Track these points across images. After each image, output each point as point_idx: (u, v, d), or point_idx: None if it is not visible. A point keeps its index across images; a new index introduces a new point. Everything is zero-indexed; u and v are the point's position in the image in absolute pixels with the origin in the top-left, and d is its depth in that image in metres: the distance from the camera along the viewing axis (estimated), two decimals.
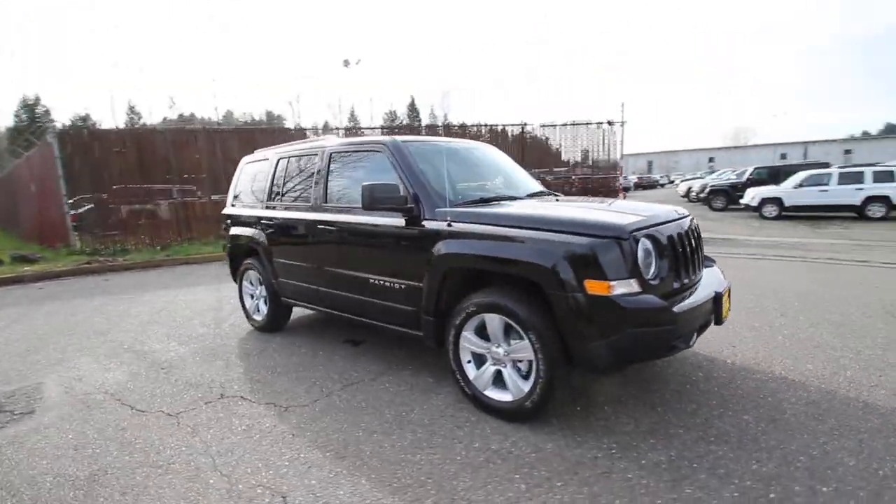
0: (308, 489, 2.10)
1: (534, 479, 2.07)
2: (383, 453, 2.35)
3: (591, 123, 12.16)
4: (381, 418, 2.71)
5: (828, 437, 2.30)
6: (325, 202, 3.55)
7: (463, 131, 11.61)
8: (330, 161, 3.59)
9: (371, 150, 3.36)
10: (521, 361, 2.51)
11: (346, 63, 32.44)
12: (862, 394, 2.72)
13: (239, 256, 4.63)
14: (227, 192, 4.96)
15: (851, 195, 12.99)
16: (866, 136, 59.71)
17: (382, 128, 11.28)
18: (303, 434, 2.59)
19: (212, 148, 10.93)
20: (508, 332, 2.53)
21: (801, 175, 14.10)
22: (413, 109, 52.37)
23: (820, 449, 2.20)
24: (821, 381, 2.90)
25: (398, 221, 2.97)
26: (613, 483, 2.03)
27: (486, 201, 3.01)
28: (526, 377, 2.49)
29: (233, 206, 4.70)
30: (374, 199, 2.84)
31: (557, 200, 3.34)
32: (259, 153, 4.60)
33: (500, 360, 2.58)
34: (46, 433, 2.74)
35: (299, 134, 11.72)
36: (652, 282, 2.24)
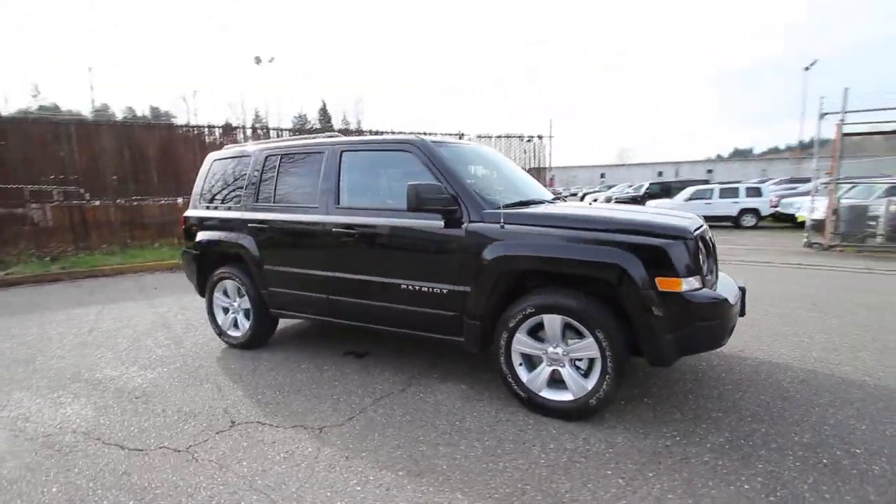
0: None
1: (627, 473, 2.14)
2: (462, 465, 2.25)
3: (523, 137, 12.86)
4: (436, 430, 2.58)
5: (833, 408, 2.69)
6: (338, 204, 3.30)
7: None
8: (341, 160, 3.36)
9: (395, 150, 3.21)
10: (580, 360, 2.58)
11: (258, 60, 30.18)
12: (834, 371, 3.23)
13: (209, 265, 4.10)
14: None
15: (729, 207, 15.33)
16: (720, 158, 71.10)
17: (292, 130, 10.85)
18: (357, 455, 2.37)
19: (87, 144, 9.49)
20: (565, 331, 2.59)
21: (689, 190, 16.28)
22: (325, 114, 50.62)
23: (833, 419, 2.57)
24: (798, 363, 3.38)
25: (435, 223, 2.88)
26: (696, 467, 2.17)
27: (523, 204, 3.05)
28: (586, 375, 2.56)
29: (199, 207, 4.16)
30: (420, 200, 2.72)
31: (592, 205, 3.50)
32: (234, 149, 4.14)
33: (558, 360, 2.61)
34: (18, 490, 2.17)
35: (191, 131, 10.57)
36: (707, 278, 2.46)
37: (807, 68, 28.86)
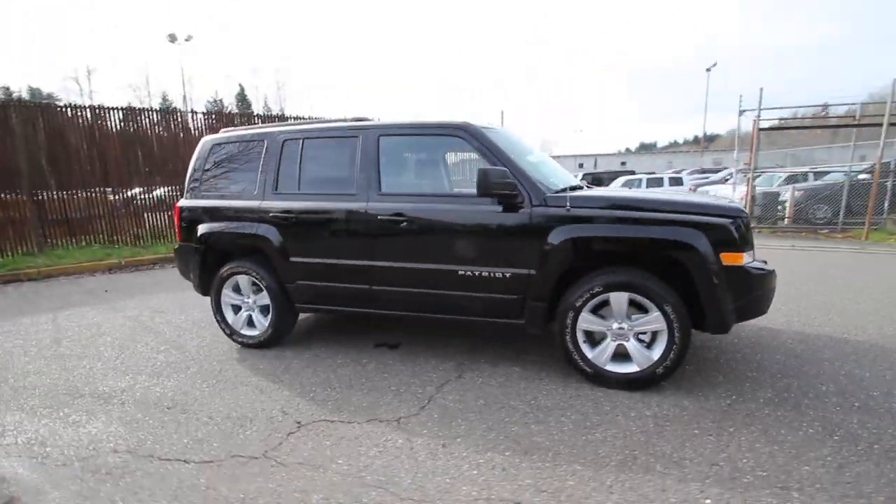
0: (531, 488, 1.98)
1: (711, 431, 2.35)
2: (563, 440, 2.33)
3: None
4: (516, 411, 2.64)
5: (838, 362, 3.15)
6: (381, 190, 3.19)
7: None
8: (379, 145, 3.24)
9: (443, 134, 3.17)
10: (643, 334, 2.76)
11: (173, 38, 26.87)
12: (819, 331, 3.75)
13: (215, 260, 3.75)
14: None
15: None
16: (629, 151, 77.51)
17: (206, 113, 10.01)
18: (452, 441, 2.36)
19: None
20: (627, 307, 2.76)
21: (621, 180, 17.59)
22: (243, 99, 47.20)
23: (842, 370, 3.01)
24: (786, 327, 3.88)
25: (494, 208, 2.90)
26: (763, 420, 2.44)
27: (573, 188, 3.16)
28: (649, 347, 2.75)
29: (199, 196, 3.78)
30: (489, 185, 2.73)
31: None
32: (238, 132, 3.81)
33: (623, 335, 2.78)
34: None
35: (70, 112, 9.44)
36: (755, 252, 2.75)
37: (708, 69, 32.21)
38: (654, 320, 2.68)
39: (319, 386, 3.04)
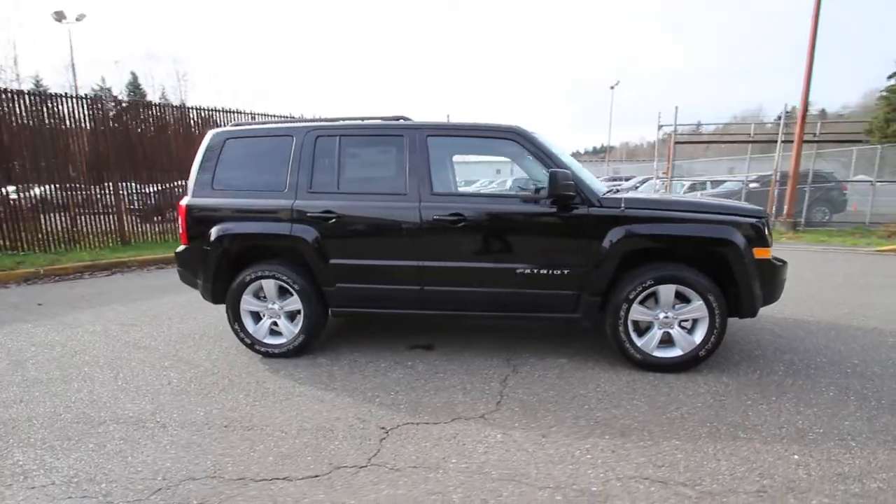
0: (650, 465, 2.15)
1: (759, 401, 2.71)
2: (649, 420, 2.53)
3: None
4: (589, 398, 2.80)
5: (815, 337, 3.76)
6: (433, 191, 3.17)
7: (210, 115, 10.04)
8: (427, 146, 3.22)
9: (495, 137, 3.24)
10: (685, 321, 3.09)
11: (60, 17, 22.70)
12: (787, 315, 4.43)
13: (233, 264, 3.43)
14: None
15: None
16: None
17: (82, 98, 8.60)
18: (549, 432, 2.45)
19: None
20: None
21: None
22: (136, 89, 41.99)
23: (823, 345, 3.61)
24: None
25: (550, 209, 3.06)
26: (791, 388, 2.86)
27: (611, 191, 3.42)
28: (690, 333, 3.09)
29: (212, 195, 3.43)
30: (558, 186, 2.87)
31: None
32: (258, 127, 3.53)
33: (668, 324, 3.08)
34: None
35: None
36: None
37: (612, 87, 35.63)
38: (697, 309, 3.01)
39: (378, 390, 2.94)
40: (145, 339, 3.98)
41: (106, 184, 8.70)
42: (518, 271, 3.12)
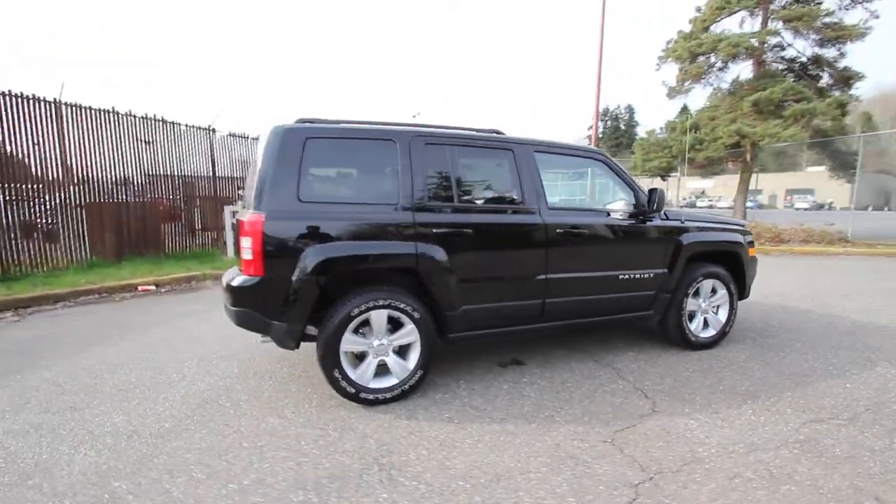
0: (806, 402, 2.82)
1: (770, 370, 3.73)
2: (768, 381, 3.23)
3: None
4: (707, 376, 3.34)
5: (769, 320, 5.24)
6: (549, 205, 3.25)
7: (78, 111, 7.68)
8: (536, 162, 3.29)
9: (584, 157, 3.52)
10: (714, 307, 3.98)
11: None
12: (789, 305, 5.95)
13: (328, 294, 2.73)
14: None
15: None
16: None
17: None
18: (716, 409, 2.89)
19: None
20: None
21: None
22: None
23: (779, 324, 5.08)
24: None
25: (637, 220, 3.54)
26: (792, 362, 4.02)
27: None
28: (716, 314, 3.99)
29: (292, 209, 2.67)
30: (661, 202, 3.37)
31: None
32: (347, 127, 2.92)
33: (706, 311, 3.91)
34: None
35: None
36: None
37: (414, 116, 38.58)
38: (723, 297, 3.94)
39: (539, 410, 2.84)
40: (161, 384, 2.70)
41: None
42: (621, 277, 3.47)
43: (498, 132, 3.42)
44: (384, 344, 2.87)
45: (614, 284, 3.49)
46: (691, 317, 3.89)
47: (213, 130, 10.07)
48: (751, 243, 4.14)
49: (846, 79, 13.00)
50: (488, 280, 3.08)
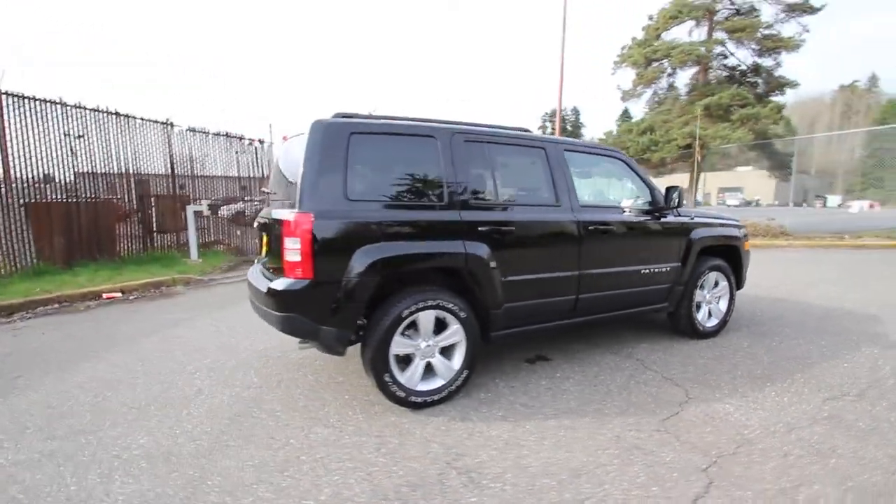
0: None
1: (776, 357, 4.03)
2: (770, 365, 3.46)
3: (244, 139, 10.97)
4: (722, 363, 3.53)
5: (752, 309, 5.59)
6: (580, 203, 3.31)
7: None
8: (566, 160, 3.33)
9: (605, 155, 3.61)
10: (716, 298, 4.22)
11: None
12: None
13: (383, 292, 2.63)
14: None
15: None
16: None
17: None
18: (747, 391, 3.08)
19: None
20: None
21: None
22: None
23: (762, 311, 5.43)
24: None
25: (653, 217, 3.69)
26: (792, 347, 4.34)
27: None
28: (718, 303, 4.24)
29: (339, 207, 2.55)
30: (681, 199, 3.52)
31: None
32: (382, 120, 2.81)
33: (710, 301, 4.14)
34: None
35: None
36: None
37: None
38: (724, 288, 4.19)
39: (586, 403, 2.89)
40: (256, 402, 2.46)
41: None
42: (643, 271, 3.60)
43: (526, 130, 3.43)
44: (430, 345, 2.81)
45: (638, 278, 3.61)
46: (698, 307, 4.11)
47: (171, 125, 9.38)
48: (745, 237, 4.43)
49: (781, 86, 14.24)
50: (528, 277, 3.08)
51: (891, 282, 6.88)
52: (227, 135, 10.60)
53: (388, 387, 2.66)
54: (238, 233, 11.03)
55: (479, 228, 2.87)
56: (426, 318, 2.75)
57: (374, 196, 2.67)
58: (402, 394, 2.70)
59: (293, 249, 2.45)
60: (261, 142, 11.39)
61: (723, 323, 4.23)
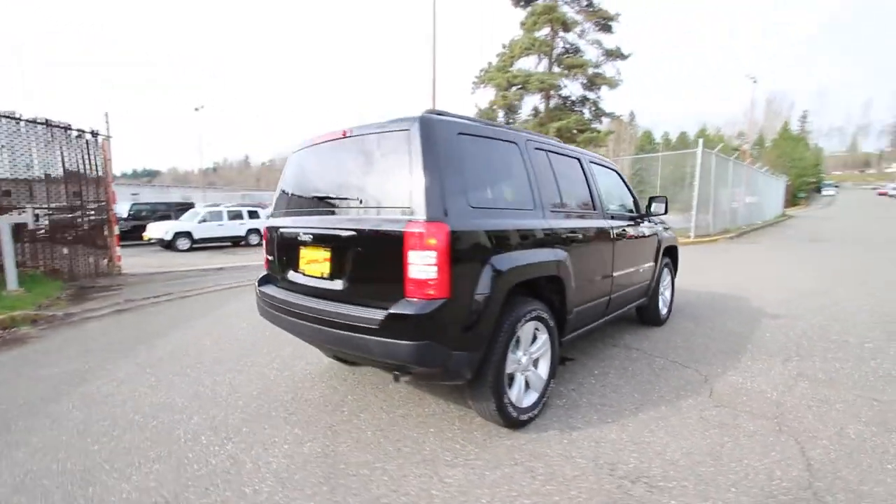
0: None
1: (746, 345, 4.99)
2: (739, 346, 4.25)
3: (70, 129, 8.16)
4: (703, 350, 4.19)
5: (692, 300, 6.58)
6: (605, 210, 3.57)
7: None
8: (591, 168, 3.58)
9: (610, 168, 3.96)
10: (666, 288, 4.99)
11: None
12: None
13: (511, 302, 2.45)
14: None
15: (238, 229, 16.80)
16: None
17: None
18: (748, 372, 3.74)
19: None
20: None
21: (201, 212, 16.16)
22: None
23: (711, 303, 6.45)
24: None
25: (640, 222, 4.21)
26: (752, 336, 5.34)
27: None
28: (663, 295, 5.03)
29: (463, 212, 2.29)
30: (664, 206, 4.08)
31: None
32: (482, 124, 2.62)
33: (662, 293, 4.89)
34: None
35: None
36: None
37: (196, 109, 32.98)
38: (669, 280, 5.00)
39: (647, 392, 3.14)
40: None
41: None
42: (640, 270, 4.06)
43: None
44: (526, 360, 2.70)
45: (637, 277, 4.07)
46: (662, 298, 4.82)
47: None
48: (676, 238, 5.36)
49: (602, 114, 17.43)
50: (586, 281, 3.21)
51: (722, 268, 9.08)
52: (46, 123, 8.00)
53: (505, 409, 2.46)
54: (65, 251, 8.44)
55: (562, 235, 2.88)
56: (527, 331, 2.64)
57: (489, 202, 2.46)
58: (515, 414, 2.53)
59: (426, 266, 2.09)
60: (94, 134, 8.89)
61: (669, 310, 5.04)
